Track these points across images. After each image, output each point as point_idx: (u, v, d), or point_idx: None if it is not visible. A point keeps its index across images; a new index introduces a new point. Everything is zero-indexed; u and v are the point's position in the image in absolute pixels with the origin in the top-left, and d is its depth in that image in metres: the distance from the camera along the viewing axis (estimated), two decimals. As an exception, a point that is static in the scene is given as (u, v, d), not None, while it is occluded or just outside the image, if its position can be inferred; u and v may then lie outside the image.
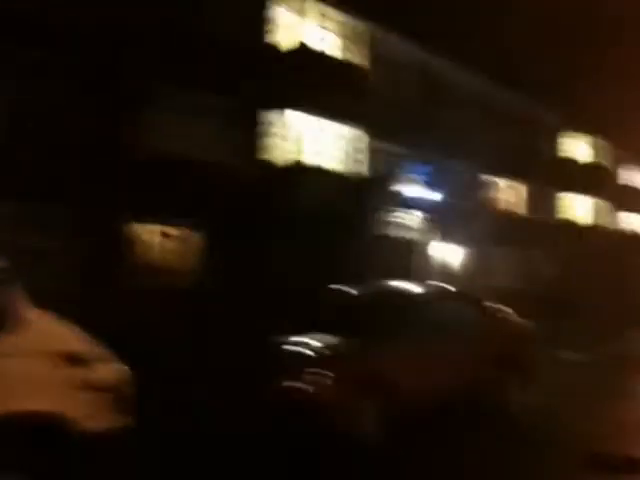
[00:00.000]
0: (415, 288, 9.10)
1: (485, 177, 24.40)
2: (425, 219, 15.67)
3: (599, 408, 8.94)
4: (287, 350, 7.49)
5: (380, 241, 14.09)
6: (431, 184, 15.64)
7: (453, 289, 9.92)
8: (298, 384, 6.79)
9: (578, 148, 31.33)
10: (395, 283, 9.33)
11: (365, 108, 17.89)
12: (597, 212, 32.17)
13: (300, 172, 16.31)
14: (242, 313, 12.58)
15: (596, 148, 32.04)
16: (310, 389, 6.71)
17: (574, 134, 31.00)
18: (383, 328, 7.64)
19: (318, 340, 7.48)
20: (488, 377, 8.54)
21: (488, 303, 9.45)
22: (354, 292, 8.85)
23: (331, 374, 6.76)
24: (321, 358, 7.08)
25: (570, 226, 30.37)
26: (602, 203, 32.55)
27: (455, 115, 22.20)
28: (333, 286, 9.22)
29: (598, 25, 31.17)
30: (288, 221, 14.63)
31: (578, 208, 31.28)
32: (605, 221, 32.90)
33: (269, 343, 7.79)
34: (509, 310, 9.62)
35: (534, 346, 9.70)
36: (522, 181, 27.08)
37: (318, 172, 16.70)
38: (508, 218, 25.86)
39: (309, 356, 7.17)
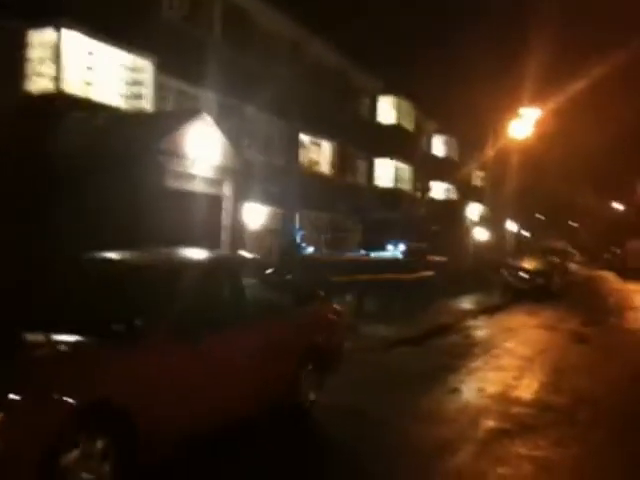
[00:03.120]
0: (206, 259, 6.49)
1: (290, 131, 22.52)
2: (222, 170, 13.16)
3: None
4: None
5: (165, 195, 11.36)
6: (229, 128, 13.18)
7: (264, 263, 7.58)
8: None
9: (389, 113, 30.77)
10: (179, 251, 6.64)
11: (152, 33, 14.93)
12: (400, 176, 32.08)
13: (67, 105, 13.03)
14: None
15: (406, 115, 31.83)
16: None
17: (387, 98, 30.42)
18: (132, 319, 4.96)
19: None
20: (290, 377, 6.51)
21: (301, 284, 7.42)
22: (102, 263, 6.17)
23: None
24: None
25: (374, 190, 29.98)
26: (406, 167, 32.59)
27: (259, 60, 19.99)
28: (87, 255, 6.41)
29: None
30: (47, 166, 11.40)
31: (384, 171, 30.93)
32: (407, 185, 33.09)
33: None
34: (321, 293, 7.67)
35: (342, 332, 7.90)
36: (329, 140, 25.73)
37: (88, 105, 13.50)
38: (315, 179, 24.46)
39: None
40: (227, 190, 13.39)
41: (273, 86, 20.32)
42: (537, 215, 59.47)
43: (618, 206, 66.42)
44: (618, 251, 52.36)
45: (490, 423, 6.78)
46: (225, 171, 13.15)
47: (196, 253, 6.63)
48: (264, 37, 20.41)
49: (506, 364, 10.35)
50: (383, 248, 21.95)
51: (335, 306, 7.79)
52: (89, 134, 12.28)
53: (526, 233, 55.92)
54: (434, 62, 31.36)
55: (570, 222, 72.24)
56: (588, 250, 69.09)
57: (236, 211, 13.53)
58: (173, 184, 11.68)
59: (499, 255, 39.11)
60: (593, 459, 5.83)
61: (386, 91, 30.23)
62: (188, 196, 12.09)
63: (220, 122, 13.59)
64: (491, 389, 8.37)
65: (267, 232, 20.67)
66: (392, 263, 20.01)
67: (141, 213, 11.06)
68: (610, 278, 42.08)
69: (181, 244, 8.46)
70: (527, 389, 8.55)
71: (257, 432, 6.10)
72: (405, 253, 21.32)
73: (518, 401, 7.82)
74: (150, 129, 12.01)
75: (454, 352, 11.27)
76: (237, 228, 13.62)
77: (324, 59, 24.40)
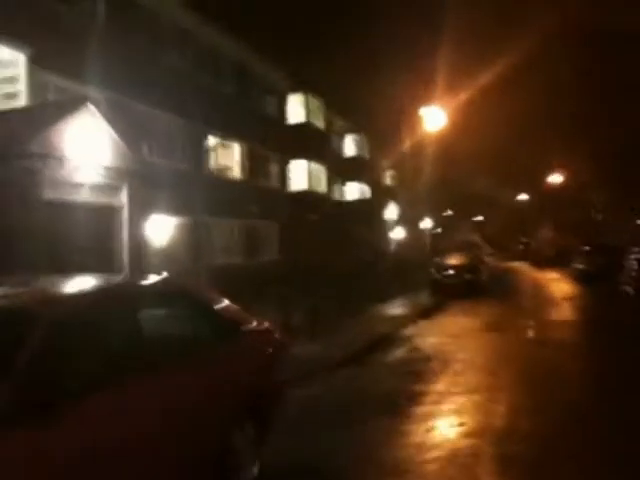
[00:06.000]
0: (101, 288, 4.59)
1: (195, 133, 20.38)
2: (117, 175, 10.97)
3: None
4: None
5: (42, 208, 9.09)
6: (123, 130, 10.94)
7: (189, 287, 5.56)
8: None
9: (299, 112, 29.02)
10: (49, 282, 4.82)
11: (22, 20, 12.59)
12: (314, 177, 30.42)
13: None
14: None
15: (317, 114, 30.23)
16: None
17: (297, 96, 28.70)
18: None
19: None
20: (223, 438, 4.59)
21: (233, 309, 5.41)
22: None
23: None
24: None
25: (289, 193, 28.23)
26: (320, 168, 31.01)
27: (153, 54, 17.87)
28: None
29: None
30: None
31: (297, 173, 29.19)
32: (322, 187, 31.50)
33: None
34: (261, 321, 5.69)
35: (284, 372, 5.99)
36: (238, 142, 23.70)
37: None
38: (225, 183, 22.42)
39: None
40: (125, 199, 11.19)
41: (172, 83, 18.27)
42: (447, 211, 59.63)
43: (523, 197, 67.67)
44: (530, 241, 52.93)
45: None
46: (120, 175, 10.95)
47: (69, 284, 4.65)
48: (154, 24, 18.18)
49: (473, 383, 8.73)
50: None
51: (275, 333, 5.87)
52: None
53: (438, 229, 55.75)
54: (341, 59, 30.05)
55: (476, 216, 73.12)
56: (496, 242, 70.17)
57: (136, 224, 11.32)
58: (53, 195, 9.37)
59: (418, 254, 38.32)
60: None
61: (295, 89, 28.57)
62: (74, 209, 9.79)
63: (112, 122, 11.41)
64: (472, 423, 6.71)
65: (176, 247, 18.44)
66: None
67: (10, 234, 8.73)
68: (526, 268, 42.21)
69: (66, 269, 6.44)
70: (511, 417, 6.94)
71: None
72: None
73: (509, 437, 6.18)
74: (19, 127, 9.64)
75: (409, 371, 9.59)
76: (139, 244, 11.41)
77: (225, 53, 22.39)
